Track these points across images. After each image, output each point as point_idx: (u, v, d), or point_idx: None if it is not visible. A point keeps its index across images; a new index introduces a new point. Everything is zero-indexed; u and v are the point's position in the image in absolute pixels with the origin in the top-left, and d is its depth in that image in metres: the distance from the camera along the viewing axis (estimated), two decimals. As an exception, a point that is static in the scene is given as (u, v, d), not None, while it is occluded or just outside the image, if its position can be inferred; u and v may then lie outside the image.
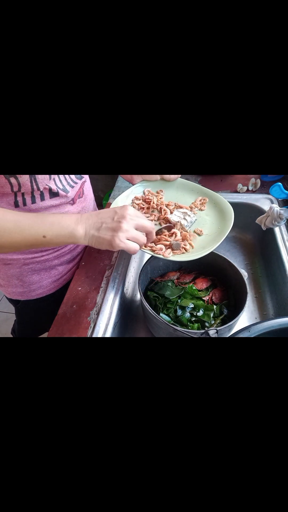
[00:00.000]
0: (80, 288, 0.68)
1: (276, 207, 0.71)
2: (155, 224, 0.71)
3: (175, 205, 0.74)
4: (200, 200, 0.74)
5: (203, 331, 0.53)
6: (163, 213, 0.71)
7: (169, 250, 0.63)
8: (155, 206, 0.73)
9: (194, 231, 0.68)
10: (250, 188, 0.88)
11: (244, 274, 0.64)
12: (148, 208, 0.73)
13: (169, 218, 0.69)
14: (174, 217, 0.69)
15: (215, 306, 0.65)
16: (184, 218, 0.68)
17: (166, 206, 0.73)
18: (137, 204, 0.75)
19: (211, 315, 0.63)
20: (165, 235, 0.65)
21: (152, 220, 0.71)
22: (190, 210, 0.72)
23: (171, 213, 0.71)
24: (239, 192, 0.88)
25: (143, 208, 0.74)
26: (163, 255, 0.62)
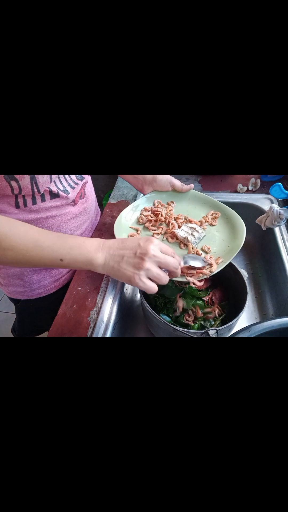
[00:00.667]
0: (80, 288, 0.68)
1: (276, 207, 0.71)
2: (162, 240, 0.68)
3: (185, 218, 0.71)
4: (212, 215, 0.70)
5: (203, 331, 0.53)
6: (170, 227, 0.68)
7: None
8: (163, 219, 0.70)
9: (201, 248, 0.65)
10: (250, 188, 0.88)
11: (244, 274, 0.64)
12: (156, 220, 0.71)
13: (176, 233, 0.66)
14: (182, 232, 0.66)
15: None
16: (192, 234, 0.65)
17: (175, 220, 0.70)
18: (145, 216, 0.72)
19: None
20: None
21: (159, 234, 0.69)
22: (200, 225, 0.68)
23: (179, 227, 0.68)
24: (239, 192, 0.88)
25: (151, 220, 0.71)
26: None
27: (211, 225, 0.69)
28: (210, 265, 0.59)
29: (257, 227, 0.78)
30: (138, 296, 0.77)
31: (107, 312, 0.63)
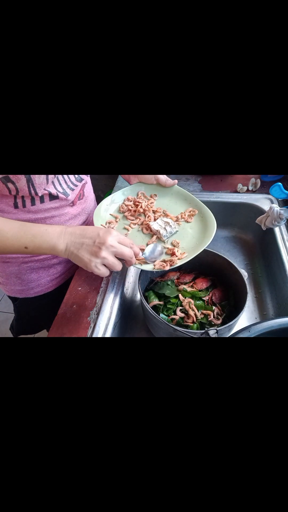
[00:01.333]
0: (80, 288, 0.68)
1: (276, 207, 0.71)
2: (138, 230, 0.71)
3: (163, 212, 0.73)
4: (190, 212, 0.72)
5: (203, 331, 0.53)
6: (147, 219, 0.71)
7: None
8: (142, 211, 0.73)
9: (171, 243, 0.68)
10: (250, 188, 0.88)
11: (244, 274, 0.64)
12: (135, 211, 0.74)
13: (150, 225, 0.69)
14: (155, 225, 0.69)
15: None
16: (165, 228, 0.68)
17: (154, 212, 0.73)
18: (126, 205, 0.75)
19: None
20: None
21: (135, 224, 0.72)
22: (176, 221, 0.71)
23: (155, 220, 0.71)
24: (239, 192, 0.88)
25: (130, 210, 0.74)
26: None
27: (187, 221, 0.72)
28: (174, 255, 0.63)
29: (257, 227, 0.78)
30: (138, 296, 0.77)
31: (107, 312, 0.63)
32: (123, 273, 0.72)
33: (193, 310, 0.63)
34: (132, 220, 0.73)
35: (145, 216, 0.73)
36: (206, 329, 0.54)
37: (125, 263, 0.56)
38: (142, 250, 0.65)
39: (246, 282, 0.62)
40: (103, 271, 0.52)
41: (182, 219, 0.72)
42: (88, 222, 0.80)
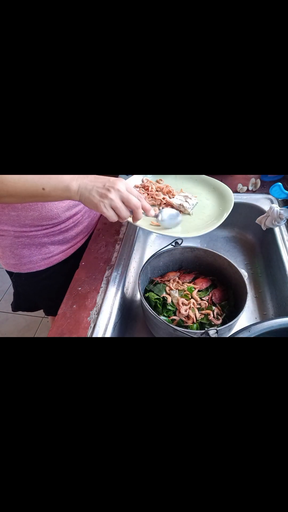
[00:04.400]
0: (80, 288, 0.68)
1: (276, 207, 0.71)
2: (160, 209, 0.73)
3: (181, 190, 0.77)
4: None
5: (203, 331, 0.53)
6: (167, 196, 0.74)
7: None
8: (155, 190, 0.76)
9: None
10: (250, 188, 0.88)
11: (244, 274, 0.64)
12: (148, 194, 0.77)
13: (171, 202, 0.72)
14: (176, 200, 0.72)
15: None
16: (186, 201, 0.71)
17: (168, 193, 0.77)
18: (138, 191, 0.77)
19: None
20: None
21: (154, 205, 0.74)
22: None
23: (173, 196, 0.75)
24: (239, 192, 0.88)
25: (143, 193, 0.77)
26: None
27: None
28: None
29: (257, 227, 0.78)
30: (138, 296, 0.77)
31: (107, 312, 0.63)
32: (123, 272, 0.72)
33: (193, 311, 0.63)
34: (150, 200, 0.75)
35: (163, 193, 0.75)
36: (206, 329, 0.54)
37: (133, 217, 0.59)
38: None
39: (246, 282, 0.62)
40: (111, 214, 0.55)
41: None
42: (84, 211, 0.81)
